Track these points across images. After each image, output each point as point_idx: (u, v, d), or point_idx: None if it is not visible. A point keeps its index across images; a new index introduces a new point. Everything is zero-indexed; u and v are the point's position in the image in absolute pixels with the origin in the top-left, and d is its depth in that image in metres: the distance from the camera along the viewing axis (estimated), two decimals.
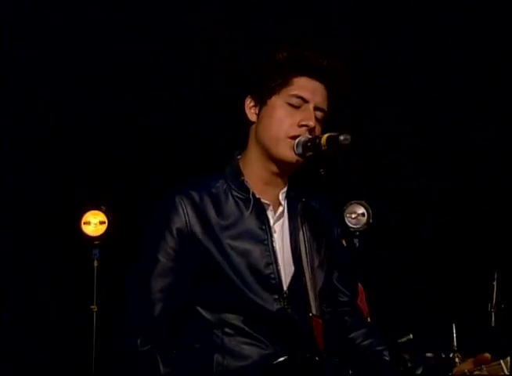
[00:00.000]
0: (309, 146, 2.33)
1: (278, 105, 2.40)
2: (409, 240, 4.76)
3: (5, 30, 4.54)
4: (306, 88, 2.40)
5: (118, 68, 4.75)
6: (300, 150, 2.36)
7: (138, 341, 2.32)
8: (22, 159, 4.74)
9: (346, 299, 2.53)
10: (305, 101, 2.40)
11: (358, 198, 4.64)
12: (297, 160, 2.38)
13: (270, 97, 2.41)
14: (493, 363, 2.22)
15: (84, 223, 4.89)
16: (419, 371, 2.37)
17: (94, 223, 4.89)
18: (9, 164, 4.69)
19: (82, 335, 4.68)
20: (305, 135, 2.36)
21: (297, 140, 2.36)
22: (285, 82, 2.40)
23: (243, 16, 4.64)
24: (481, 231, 4.57)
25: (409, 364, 2.35)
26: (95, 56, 4.72)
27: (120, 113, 4.79)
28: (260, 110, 2.44)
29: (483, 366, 2.22)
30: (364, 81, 4.32)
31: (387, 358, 2.43)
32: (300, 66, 2.41)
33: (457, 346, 3.12)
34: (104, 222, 4.89)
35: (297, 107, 2.39)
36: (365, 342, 2.49)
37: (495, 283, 3.95)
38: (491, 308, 3.92)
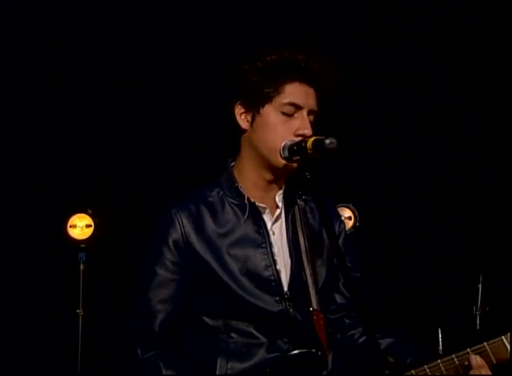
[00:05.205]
0: (295, 150, 2.34)
1: (272, 114, 2.38)
2: (395, 242, 4.77)
3: None
4: (299, 94, 2.38)
5: (109, 72, 4.74)
6: (286, 153, 2.36)
7: (139, 351, 2.36)
8: (7, 162, 4.72)
9: (344, 301, 2.54)
10: (299, 107, 2.38)
11: (345, 201, 4.65)
12: (293, 167, 2.38)
13: (263, 105, 2.39)
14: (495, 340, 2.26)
15: (70, 226, 4.86)
16: (408, 361, 2.39)
17: (80, 226, 4.87)
18: None
19: (68, 339, 4.66)
20: (291, 139, 2.36)
21: (283, 144, 2.36)
22: (277, 90, 2.37)
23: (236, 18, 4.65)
24: (466, 234, 4.58)
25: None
26: (86, 58, 4.72)
27: (108, 117, 4.78)
28: (253, 118, 2.41)
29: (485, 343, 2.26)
30: (352, 85, 4.33)
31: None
32: (292, 72, 2.38)
33: (443, 350, 3.12)
34: (90, 226, 4.86)
35: (290, 115, 2.38)
36: (362, 339, 2.51)
37: (480, 285, 3.96)
38: (476, 311, 3.94)
